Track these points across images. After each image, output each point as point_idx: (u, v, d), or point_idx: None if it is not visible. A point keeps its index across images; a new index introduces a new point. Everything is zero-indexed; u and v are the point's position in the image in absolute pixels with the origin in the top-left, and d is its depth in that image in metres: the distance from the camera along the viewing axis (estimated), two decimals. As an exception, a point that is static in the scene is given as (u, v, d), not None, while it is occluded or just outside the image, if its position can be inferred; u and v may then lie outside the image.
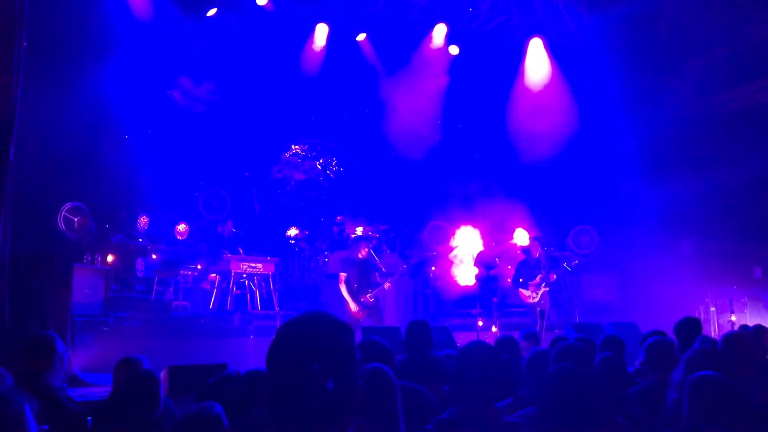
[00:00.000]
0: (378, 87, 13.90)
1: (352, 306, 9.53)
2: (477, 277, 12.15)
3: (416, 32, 13.71)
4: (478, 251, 12.89)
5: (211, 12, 12.34)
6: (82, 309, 9.27)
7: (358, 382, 1.73)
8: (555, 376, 3.14)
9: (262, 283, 11.46)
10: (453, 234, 13.42)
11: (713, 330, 10.61)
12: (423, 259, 13.25)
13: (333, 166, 15.07)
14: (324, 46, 13.52)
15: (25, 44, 6.95)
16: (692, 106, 12.20)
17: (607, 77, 12.76)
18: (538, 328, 10.19)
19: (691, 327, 5.56)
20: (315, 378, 1.66)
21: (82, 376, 7.63)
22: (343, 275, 9.74)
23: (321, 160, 15.00)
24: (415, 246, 13.87)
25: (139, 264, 11.47)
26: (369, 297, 9.63)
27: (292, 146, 14.84)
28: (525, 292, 10.76)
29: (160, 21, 11.57)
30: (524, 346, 6.25)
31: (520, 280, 10.78)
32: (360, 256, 9.84)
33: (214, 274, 11.48)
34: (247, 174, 14.04)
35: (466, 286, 12.73)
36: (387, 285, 9.75)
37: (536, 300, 10.60)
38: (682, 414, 3.25)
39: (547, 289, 10.65)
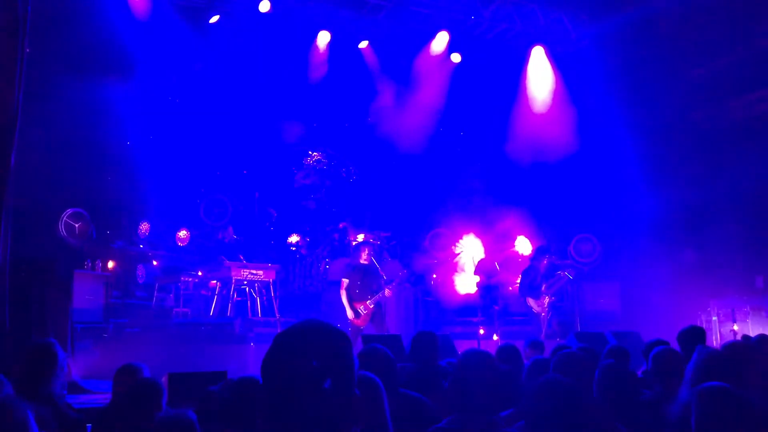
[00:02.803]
0: (380, 94, 13.89)
1: (349, 313, 9.58)
2: (478, 285, 12.12)
3: (418, 40, 13.71)
4: (479, 259, 12.87)
5: (214, 19, 12.35)
6: (83, 315, 9.26)
7: (354, 390, 1.72)
8: (542, 387, 3.11)
9: (263, 290, 11.43)
10: (455, 241, 13.39)
11: (715, 339, 10.56)
12: (425, 268, 13.23)
13: (353, 174, 15.08)
14: (326, 53, 13.53)
15: (27, 50, 6.95)
16: (695, 114, 12.20)
17: (610, 86, 12.76)
18: (541, 336, 10.16)
19: (694, 336, 5.54)
20: (310, 387, 1.65)
21: (81, 383, 7.61)
22: (345, 281, 9.78)
23: (344, 169, 15.01)
24: (417, 253, 13.84)
25: (140, 270, 11.46)
26: (369, 303, 9.64)
27: (310, 152, 14.82)
28: (533, 302, 10.73)
29: (162, 27, 11.58)
30: (529, 354, 6.22)
31: (528, 289, 10.75)
32: (362, 261, 9.88)
33: (214, 281, 11.45)
34: (245, 171, 13.97)
35: (468, 294, 12.70)
36: (387, 292, 9.77)
37: (545, 310, 10.59)
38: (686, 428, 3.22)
39: (553, 299, 10.63)
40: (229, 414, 3.56)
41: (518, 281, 11.43)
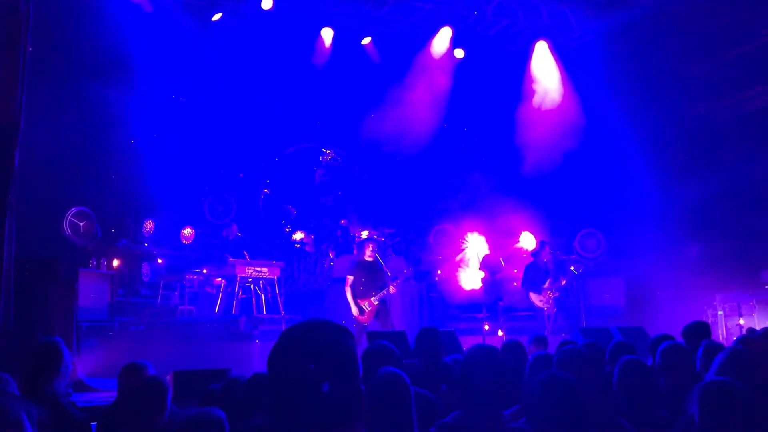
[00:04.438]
0: (383, 90, 13.86)
1: (354, 310, 9.60)
2: (483, 280, 12.11)
3: (421, 36, 13.69)
4: (484, 255, 12.86)
5: (217, 16, 12.34)
6: (88, 314, 9.27)
7: (359, 387, 1.72)
8: (543, 384, 3.10)
9: (268, 288, 11.44)
10: (459, 237, 13.38)
11: (721, 334, 10.54)
12: (429, 264, 13.22)
13: (363, 172, 15.11)
14: (329, 50, 13.52)
15: (30, 49, 6.96)
16: (699, 109, 12.16)
17: (614, 80, 12.71)
18: (545, 332, 10.15)
19: (700, 331, 5.53)
20: (315, 383, 1.65)
21: (87, 381, 7.63)
22: (350, 278, 9.81)
23: (357, 166, 15.02)
24: (421, 250, 13.83)
25: (145, 268, 11.48)
26: (373, 300, 9.65)
27: (324, 149, 14.81)
28: (535, 297, 10.72)
29: (165, 25, 11.57)
30: (532, 350, 6.21)
31: (531, 284, 10.76)
32: (366, 258, 9.88)
33: (219, 279, 11.47)
34: (241, 175, 13.96)
35: (472, 290, 12.69)
36: (392, 289, 9.77)
37: (548, 305, 10.59)
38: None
39: (557, 294, 10.62)
40: (243, 409, 3.57)
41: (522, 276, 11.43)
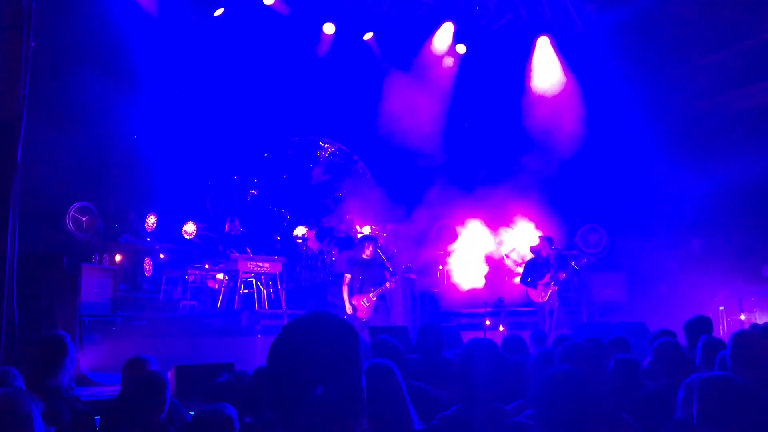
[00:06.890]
0: (384, 85, 13.85)
1: (347, 309, 9.61)
2: (485, 276, 12.13)
3: (423, 31, 13.68)
4: (484, 249, 12.87)
5: (218, 12, 12.33)
6: (91, 309, 9.28)
7: (361, 383, 1.72)
8: (554, 378, 3.10)
9: (270, 283, 11.46)
10: (462, 233, 13.38)
11: (722, 329, 10.55)
12: (432, 259, 13.23)
13: (366, 169, 15.12)
14: (330, 45, 13.51)
15: (33, 44, 6.95)
16: (701, 104, 12.15)
17: (616, 75, 12.70)
18: (546, 327, 10.17)
19: (700, 326, 5.54)
20: (317, 377, 1.65)
21: (90, 376, 7.66)
22: (347, 276, 9.81)
23: (359, 165, 15.01)
24: (424, 245, 13.82)
25: (147, 263, 11.50)
26: (372, 296, 9.66)
27: (322, 143, 14.82)
28: (534, 292, 10.73)
29: (168, 20, 11.57)
30: (533, 346, 6.22)
31: (528, 279, 10.78)
32: (365, 256, 9.88)
33: (221, 274, 11.48)
34: (236, 177, 13.93)
35: (473, 285, 12.70)
36: (389, 285, 9.77)
37: (545, 299, 10.58)
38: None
39: (556, 288, 10.62)
40: (246, 403, 3.59)
41: (521, 270, 11.45)
